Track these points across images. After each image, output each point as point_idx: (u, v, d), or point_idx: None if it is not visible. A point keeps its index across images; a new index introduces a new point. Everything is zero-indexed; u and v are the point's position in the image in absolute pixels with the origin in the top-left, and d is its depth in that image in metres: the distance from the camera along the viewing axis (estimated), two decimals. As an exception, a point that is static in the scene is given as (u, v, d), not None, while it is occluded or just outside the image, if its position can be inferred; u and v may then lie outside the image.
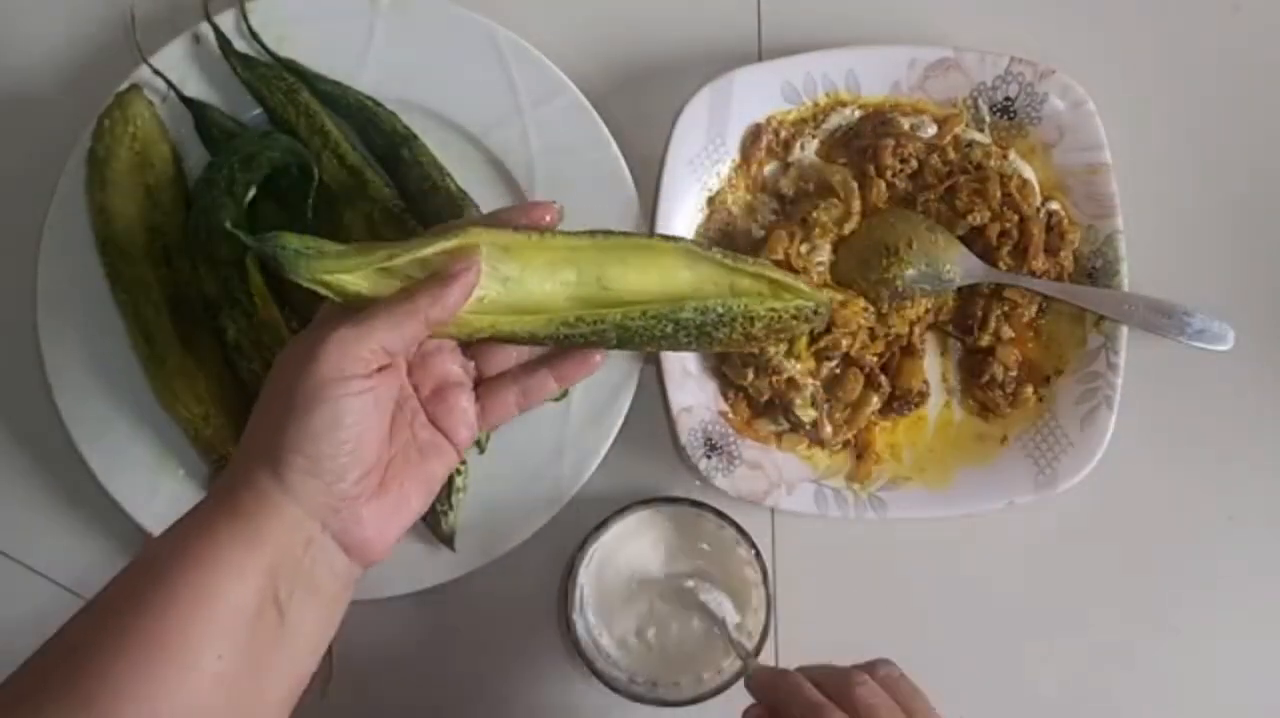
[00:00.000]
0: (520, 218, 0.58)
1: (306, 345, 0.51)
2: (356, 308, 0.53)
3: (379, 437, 0.52)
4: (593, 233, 0.58)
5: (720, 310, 0.58)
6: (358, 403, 0.50)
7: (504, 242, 0.56)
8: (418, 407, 0.57)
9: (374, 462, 0.52)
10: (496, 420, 0.60)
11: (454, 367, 0.59)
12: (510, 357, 0.61)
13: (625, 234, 0.58)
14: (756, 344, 0.61)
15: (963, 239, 0.69)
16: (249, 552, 0.49)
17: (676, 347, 0.60)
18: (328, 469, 0.50)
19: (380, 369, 0.52)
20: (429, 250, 0.54)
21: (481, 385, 0.61)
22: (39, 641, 0.48)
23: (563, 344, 0.58)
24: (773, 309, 0.59)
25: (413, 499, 0.55)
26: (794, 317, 0.60)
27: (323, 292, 0.53)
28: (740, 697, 0.66)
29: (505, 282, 0.57)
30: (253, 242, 0.53)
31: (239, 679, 0.48)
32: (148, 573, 0.49)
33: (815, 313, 0.60)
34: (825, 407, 0.69)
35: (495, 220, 0.58)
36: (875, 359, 0.70)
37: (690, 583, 0.67)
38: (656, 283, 0.58)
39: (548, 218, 0.58)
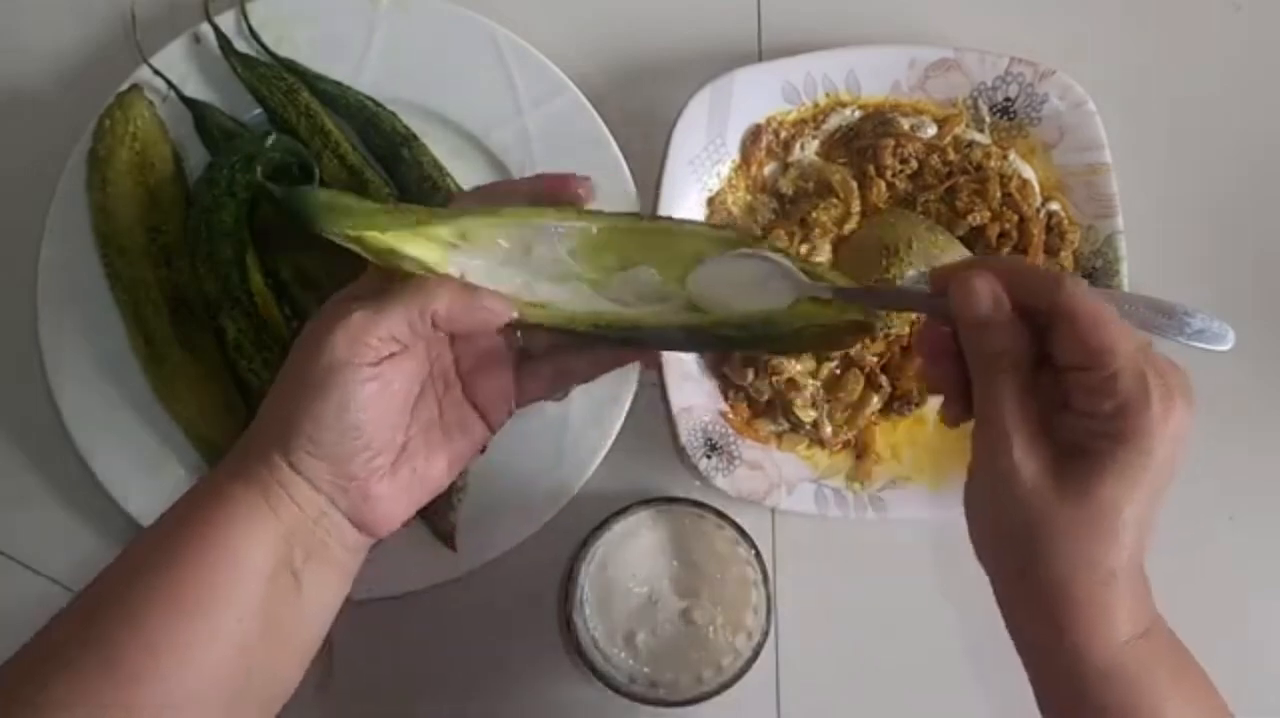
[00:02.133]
0: (553, 190, 0.54)
1: (324, 325, 0.50)
2: (389, 274, 0.51)
3: (391, 422, 0.51)
4: (636, 216, 0.54)
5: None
6: (364, 390, 0.49)
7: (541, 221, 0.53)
8: (455, 380, 0.55)
9: (385, 444, 0.51)
10: (529, 399, 0.56)
11: (500, 340, 0.56)
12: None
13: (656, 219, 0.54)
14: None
15: (963, 239, 0.69)
16: (264, 520, 0.49)
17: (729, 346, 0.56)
18: (333, 454, 0.49)
19: (393, 355, 0.50)
20: (464, 220, 0.52)
21: (522, 362, 0.57)
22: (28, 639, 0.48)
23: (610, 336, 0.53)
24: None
25: (430, 479, 0.53)
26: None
27: (354, 248, 0.51)
28: (740, 698, 0.66)
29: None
30: (281, 192, 0.52)
31: (256, 645, 0.48)
32: (167, 535, 0.49)
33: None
34: (825, 407, 0.69)
35: (530, 192, 0.55)
36: (875, 359, 0.70)
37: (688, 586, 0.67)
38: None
39: (580, 192, 0.55)
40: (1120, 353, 0.44)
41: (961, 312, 0.47)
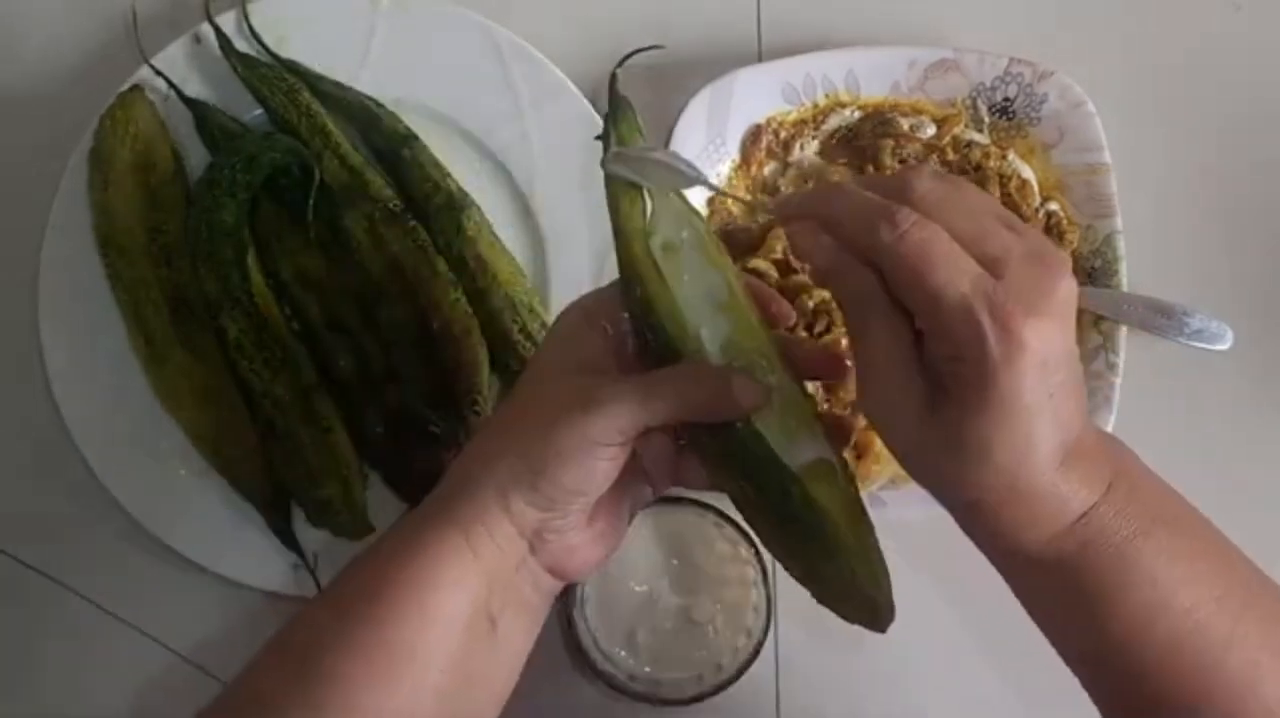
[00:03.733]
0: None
1: (585, 388, 0.48)
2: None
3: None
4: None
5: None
6: (605, 465, 0.49)
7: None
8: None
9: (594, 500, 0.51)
10: (690, 485, 0.53)
11: None
12: None
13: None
14: None
15: (962, 239, 0.69)
16: (464, 563, 0.48)
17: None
18: (552, 509, 0.49)
19: None
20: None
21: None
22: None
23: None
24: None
25: (618, 527, 0.53)
26: None
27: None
28: (740, 697, 0.66)
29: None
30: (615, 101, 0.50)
31: (454, 693, 0.48)
32: (373, 580, 0.49)
33: None
34: (825, 407, 0.69)
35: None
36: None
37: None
38: None
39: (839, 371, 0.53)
40: (946, 299, 0.41)
41: (806, 261, 0.46)
